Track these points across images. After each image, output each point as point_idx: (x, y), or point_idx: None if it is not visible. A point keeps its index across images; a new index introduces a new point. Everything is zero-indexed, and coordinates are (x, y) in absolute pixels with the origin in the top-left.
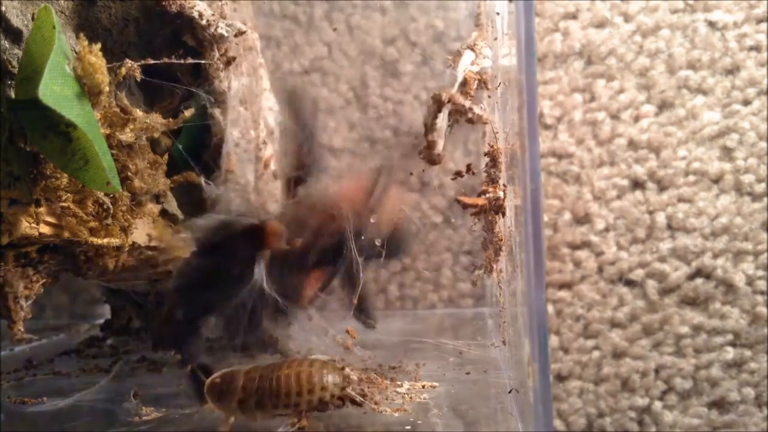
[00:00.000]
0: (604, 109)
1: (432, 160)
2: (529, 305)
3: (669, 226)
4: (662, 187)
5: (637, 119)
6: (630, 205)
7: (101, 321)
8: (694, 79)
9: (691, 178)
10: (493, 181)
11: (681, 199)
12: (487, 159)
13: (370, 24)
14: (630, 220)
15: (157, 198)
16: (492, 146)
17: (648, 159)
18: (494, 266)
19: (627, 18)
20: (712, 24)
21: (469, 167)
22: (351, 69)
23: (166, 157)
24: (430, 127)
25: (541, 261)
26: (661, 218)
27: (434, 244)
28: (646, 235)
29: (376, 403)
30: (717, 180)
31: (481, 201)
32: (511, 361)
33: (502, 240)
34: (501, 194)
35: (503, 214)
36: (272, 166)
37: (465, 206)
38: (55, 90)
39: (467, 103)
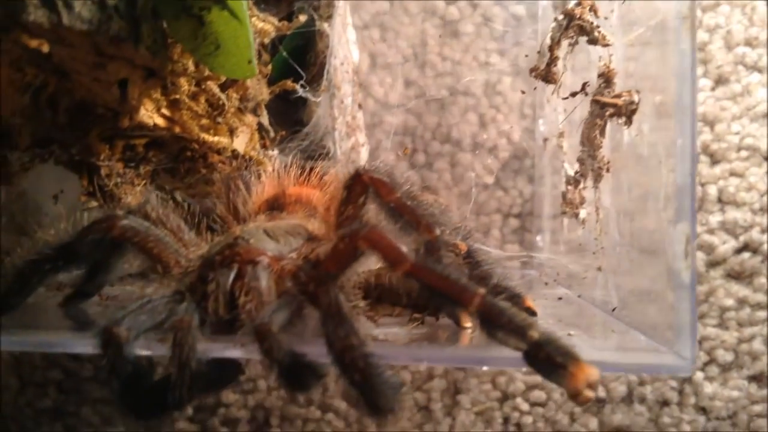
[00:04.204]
0: None
1: (549, 78)
2: None
3: (719, 200)
4: (715, 161)
5: None
6: None
7: None
8: (751, 57)
9: (743, 153)
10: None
11: (732, 173)
12: (600, 80)
13: None
14: None
15: (254, 110)
16: (607, 66)
17: (702, 132)
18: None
19: None
20: None
21: (584, 86)
22: (411, 26)
23: (269, 67)
24: (557, 41)
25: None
26: (712, 191)
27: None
28: (697, 207)
29: None
30: None
31: (620, 101)
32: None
33: (606, 164)
34: (636, 98)
35: (631, 122)
36: (360, 97)
37: (603, 105)
38: None
39: (595, 21)
